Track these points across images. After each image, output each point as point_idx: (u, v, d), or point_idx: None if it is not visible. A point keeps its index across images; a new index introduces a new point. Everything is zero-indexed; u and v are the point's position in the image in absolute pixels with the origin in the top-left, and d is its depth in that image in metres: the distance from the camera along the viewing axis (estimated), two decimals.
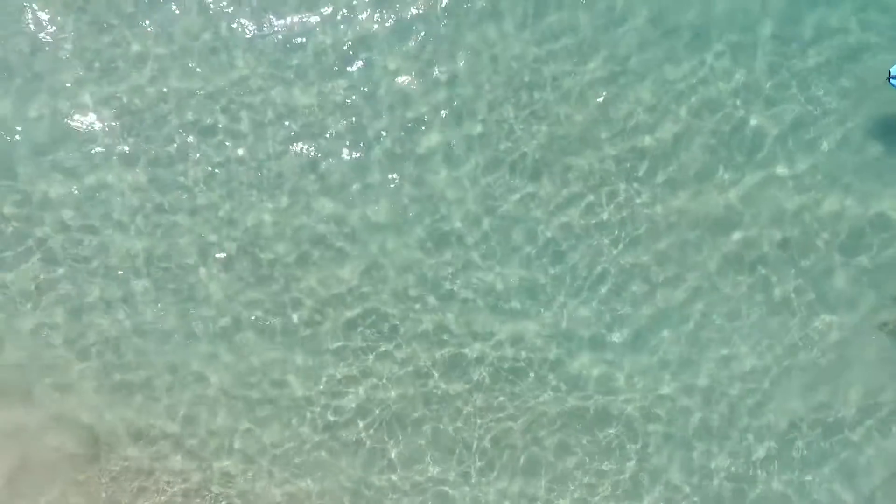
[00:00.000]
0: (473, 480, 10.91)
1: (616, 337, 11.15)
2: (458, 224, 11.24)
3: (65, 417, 10.74)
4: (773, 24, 11.52)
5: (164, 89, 11.31)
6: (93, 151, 11.21)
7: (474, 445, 10.96)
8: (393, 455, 10.96)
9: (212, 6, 11.42)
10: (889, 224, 11.28)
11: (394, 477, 10.94)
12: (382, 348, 11.10)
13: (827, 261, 11.25)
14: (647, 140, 11.38)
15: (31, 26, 11.34)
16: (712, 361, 11.13)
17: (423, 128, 11.35)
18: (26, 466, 10.48)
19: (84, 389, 10.88)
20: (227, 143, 11.27)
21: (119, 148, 11.22)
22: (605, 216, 11.28)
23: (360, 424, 10.99)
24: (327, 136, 11.31)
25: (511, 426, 10.99)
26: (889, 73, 11.03)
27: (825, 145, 11.42)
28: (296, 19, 11.47)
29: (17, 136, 11.16)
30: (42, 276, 11.03)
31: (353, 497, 10.88)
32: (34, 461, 10.51)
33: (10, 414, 10.56)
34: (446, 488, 10.90)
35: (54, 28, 11.37)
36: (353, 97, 11.36)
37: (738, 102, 11.44)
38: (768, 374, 11.14)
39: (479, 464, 10.94)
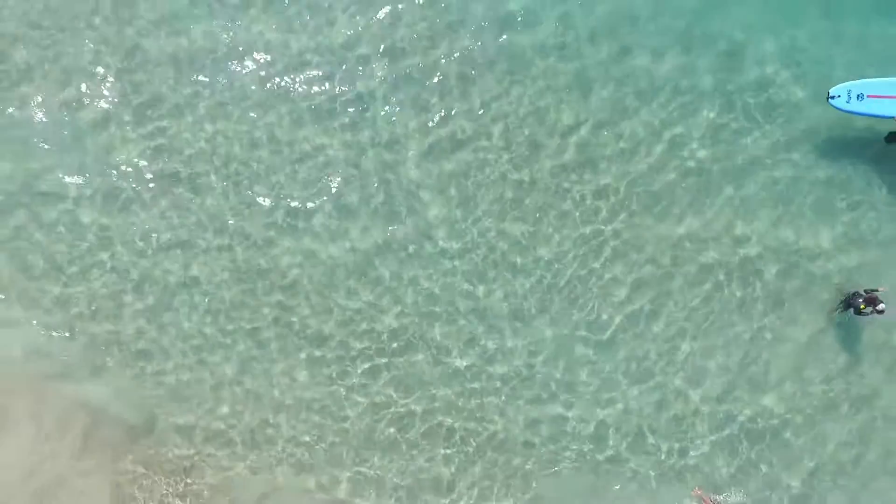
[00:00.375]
0: (464, 463, 12.24)
1: (593, 343, 12.33)
2: (453, 244, 12.53)
3: (121, 398, 12.22)
4: (715, 74, 12.85)
5: (204, 133, 12.76)
6: (143, 187, 12.65)
7: (464, 435, 12.26)
8: (398, 443, 12.27)
9: (244, 63, 12.97)
10: (830, 239, 12.44)
11: (401, 462, 12.24)
12: (388, 351, 12.42)
13: (777, 269, 12.41)
14: (622, 170, 12.67)
15: (96, 67, 12.90)
16: (675, 362, 12.29)
17: (424, 161, 12.73)
18: (97, 431, 11.99)
19: (134, 385, 12.31)
20: (257, 180, 12.69)
21: (162, 182, 12.65)
22: (586, 231, 12.55)
23: (370, 418, 12.31)
24: (341, 172, 12.72)
25: (496, 420, 12.27)
26: (828, 93, 11.99)
27: (776, 171, 12.55)
28: (316, 71, 12.91)
29: (80, 179, 12.63)
30: (101, 290, 12.50)
31: (366, 479, 12.24)
32: (102, 428, 12.02)
33: (78, 389, 12.17)
34: (443, 469, 12.23)
35: (111, 74, 12.90)
36: (363, 138, 12.76)
37: (698, 139, 12.71)
38: (725, 372, 12.32)
39: (468, 450, 12.26)
